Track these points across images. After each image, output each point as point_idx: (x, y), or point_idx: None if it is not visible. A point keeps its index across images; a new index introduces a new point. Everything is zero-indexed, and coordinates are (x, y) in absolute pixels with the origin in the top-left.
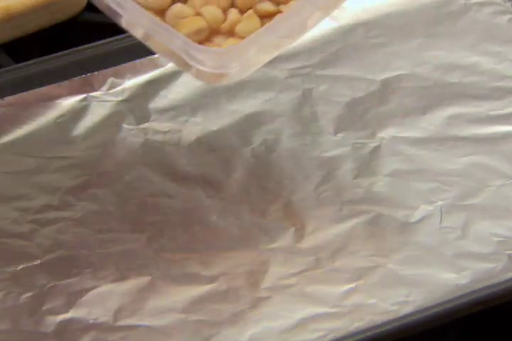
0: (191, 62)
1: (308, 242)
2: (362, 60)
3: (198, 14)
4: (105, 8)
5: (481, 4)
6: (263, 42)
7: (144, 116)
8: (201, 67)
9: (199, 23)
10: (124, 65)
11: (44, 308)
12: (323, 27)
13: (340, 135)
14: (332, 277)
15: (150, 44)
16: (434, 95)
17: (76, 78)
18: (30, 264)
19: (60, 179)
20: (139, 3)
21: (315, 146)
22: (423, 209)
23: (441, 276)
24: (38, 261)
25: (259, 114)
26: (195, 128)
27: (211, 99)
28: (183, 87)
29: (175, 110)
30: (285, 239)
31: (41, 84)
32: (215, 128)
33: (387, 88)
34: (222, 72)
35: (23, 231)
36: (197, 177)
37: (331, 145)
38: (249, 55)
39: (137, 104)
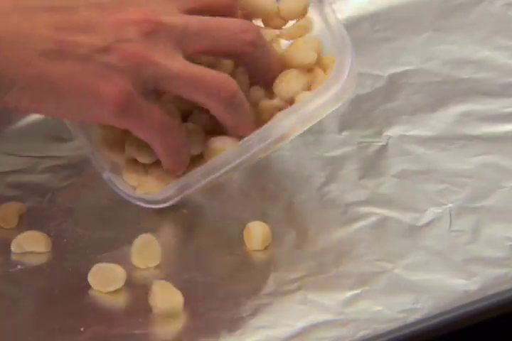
0: (132, 201)
1: (310, 246)
2: (368, 55)
3: None
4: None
5: None
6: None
7: None
8: (141, 204)
9: None
10: None
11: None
12: None
13: (344, 133)
14: (336, 283)
15: None
16: (444, 92)
17: None
18: (22, 267)
19: (50, 180)
20: None
21: (318, 145)
22: (432, 212)
23: (450, 282)
24: (31, 264)
25: None
26: None
27: None
28: None
29: None
30: (286, 243)
31: None
32: None
33: (394, 84)
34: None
35: None
36: None
37: (335, 145)
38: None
39: None
